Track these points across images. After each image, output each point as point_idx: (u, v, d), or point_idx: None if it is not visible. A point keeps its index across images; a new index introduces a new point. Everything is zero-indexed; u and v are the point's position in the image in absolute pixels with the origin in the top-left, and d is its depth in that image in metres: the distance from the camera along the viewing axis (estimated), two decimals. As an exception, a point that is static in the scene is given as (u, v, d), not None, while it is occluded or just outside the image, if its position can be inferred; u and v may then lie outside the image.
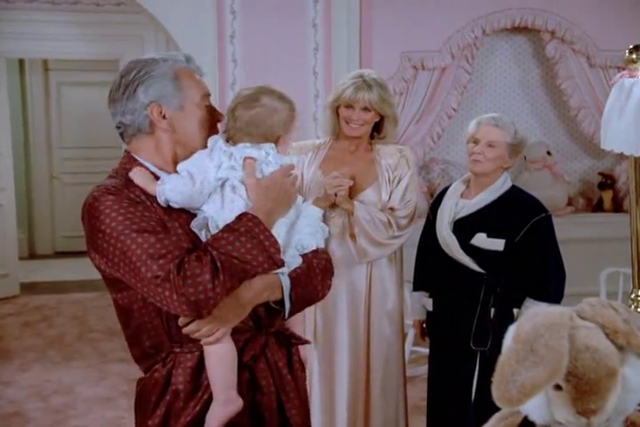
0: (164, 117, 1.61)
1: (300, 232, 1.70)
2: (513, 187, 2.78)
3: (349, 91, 2.81)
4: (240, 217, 1.57)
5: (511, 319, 2.55)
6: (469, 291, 2.70)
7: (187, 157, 1.66)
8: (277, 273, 1.64)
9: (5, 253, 6.18)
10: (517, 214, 2.67)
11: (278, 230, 1.64)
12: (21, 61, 7.56)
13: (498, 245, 2.65)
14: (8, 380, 4.29)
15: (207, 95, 1.69)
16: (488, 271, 2.67)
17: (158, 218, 1.57)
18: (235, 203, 1.62)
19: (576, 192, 5.30)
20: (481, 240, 2.66)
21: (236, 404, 1.62)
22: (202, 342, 1.60)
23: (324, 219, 2.84)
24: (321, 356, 2.91)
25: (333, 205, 2.84)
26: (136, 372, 1.76)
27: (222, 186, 1.63)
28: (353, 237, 2.85)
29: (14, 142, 6.62)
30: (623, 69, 2.73)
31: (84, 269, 6.93)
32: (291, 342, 1.78)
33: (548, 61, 5.12)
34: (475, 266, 2.68)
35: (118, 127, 1.65)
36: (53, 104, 7.84)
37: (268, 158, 1.67)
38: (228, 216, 1.59)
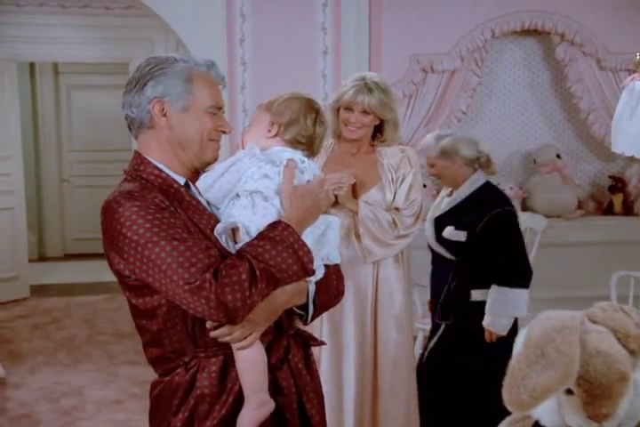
0: (164, 115, 1.61)
1: (329, 244, 1.71)
2: (485, 185, 3.15)
3: (350, 93, 2.82)
4: (275, 225, 1.58)
5: (468, 298, 3.11)
6: (444, 275, 3.20)
7: (188, 160, 1.66)
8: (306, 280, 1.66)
9: (16, 255, 6.20)
10: (478, 210, 3.07)
11: (306, 240, 1.63)
12: (32, 65, 7.60)
13: (461, 236, 3.07)
14: (18, 382, 4.30)
15: (218, 107, 1.67)
16: (457, 258, 3.14)
17: (183, 223, 1.57)
18: (267, 210, 1.62)
19: (586, 195, 5.28)
20: (449, 233, 3.11)
21: (269, 406, 1.62)
22: (235, 347, 1.60)
23: None
24: (328, 357, 2.91)
25: (335, 205, 2.84)
26: (145, 374, 1.77)
27: (251, 194, 1.63)
28: (358, 237, 2.85)
29: (24, 145, 6.64)
30: (634, 72, 2.73)
31: (94, 272, 6.98)
32: (308, 343, 1.79)
33: (557, 64, 5.10)
34: (447, 254, 3.17)
35: (126, 118, 1.67)
36: (63, 107, 7.87)
37: (304, 165, 1.68)
38: (260, 223, 1.60)
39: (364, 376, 2.91)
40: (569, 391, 1.31)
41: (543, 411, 1.35)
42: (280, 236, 1.56)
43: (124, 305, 1.72)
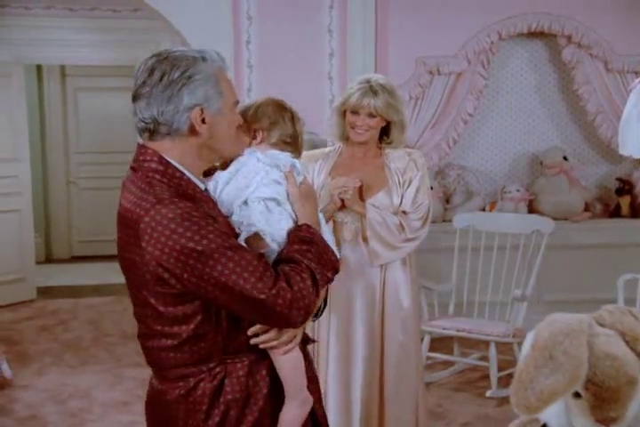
0: (203, 121, 1.58)
1: (328, 241, 1.74)
2: None
3: (355, 96, 2.83)
4: (301, 228, 1.62)
5: None
6: None
7: (211, 161, 1.65)
8: None
9: (22, 257, 6.22)
10: None
11: None
12: (39, 67, 7.62)
13: None
14: (25, 384, 4.31)
15: (238, 101, 1.68)
16: None
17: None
18: (282, 215, 1.64)
19: (593, 198, 5.27)
20: None
21: (310, 402, 1.67)
22: (281, 351, 1.62)
23: (336, 225, 2.87)
24: (336, 359, 2.91)
25: (342, 208, 2.85)
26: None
27: (264, 200, 1.64)
28: (366, 240, 2.86)
29: (32, 147, 6.66)
30: (641, 74, 2.72)
31: (100, 274, 7.00)
32: (306, 341, 1.81)
33: (564, 66, 5.09)
34: None
35: (146, 122, 1.57)
36: (70, 109, 7.89)
37: (297, 167, 1.71)
38: (281, 228, 1.62)
39: (371, 377, 2.91)
40: (577, 395, 1.30)
41: (551, 414, 1.35)
42: (312, 237, 1.60)
43: (131, 307, 1.71)
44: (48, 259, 7.86)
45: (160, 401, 1.67)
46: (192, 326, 1.56)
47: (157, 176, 1.56)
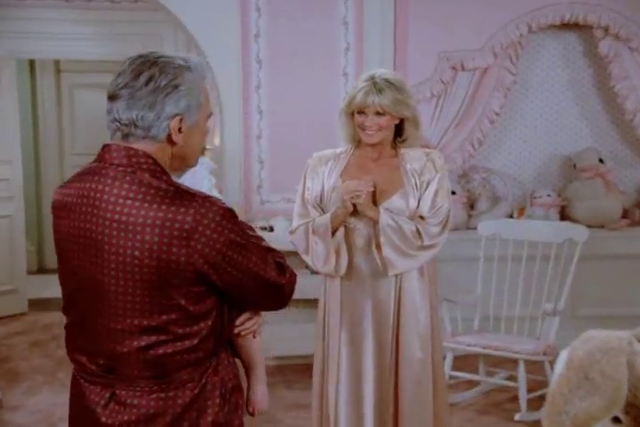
0: (180, 131, 1.68)
1: None
2: None
3: (359, 95, 2.85)
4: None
5: None
6: None
7: (177, 170, 1.77)
8: None
9: (14, 267, 6.25)
10: None
11: None
12: (32, 62, 7.68)
13: None
14: (16, 404, 4.32)
15: (211, 114, 1.81)
16: None
17: None
18: None
19: (632, 203, 5.24)
20: None
21: None
22: (256, 334, 1.87)
23: (348, 230, 2.88)
24: (346, 373, 2.91)
25: (354, 213, 2.85)
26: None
27: None
28: (379, 247, 2.85)
29: (24, 148, 6.71)
30: (685, 69, 2.71)
31: (97, 285, 7.02)
32: None
33: (600, 60, 5.08)
34: None
35: (122, 123, 1.69)
36: (65, 108, 7.95)
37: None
38: None
39: (383, 396, 2.91)
40: (616, 420, 1.29)
41: (587, 440, 1.33)
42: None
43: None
44: (41, 269, 7.90)
45: (160, 415, 1.70)
46: (210, 322, 1.70)
47: (165, 177, 1.67)
